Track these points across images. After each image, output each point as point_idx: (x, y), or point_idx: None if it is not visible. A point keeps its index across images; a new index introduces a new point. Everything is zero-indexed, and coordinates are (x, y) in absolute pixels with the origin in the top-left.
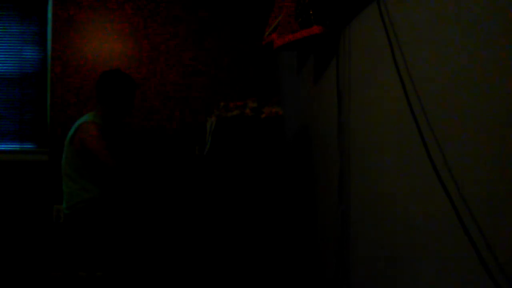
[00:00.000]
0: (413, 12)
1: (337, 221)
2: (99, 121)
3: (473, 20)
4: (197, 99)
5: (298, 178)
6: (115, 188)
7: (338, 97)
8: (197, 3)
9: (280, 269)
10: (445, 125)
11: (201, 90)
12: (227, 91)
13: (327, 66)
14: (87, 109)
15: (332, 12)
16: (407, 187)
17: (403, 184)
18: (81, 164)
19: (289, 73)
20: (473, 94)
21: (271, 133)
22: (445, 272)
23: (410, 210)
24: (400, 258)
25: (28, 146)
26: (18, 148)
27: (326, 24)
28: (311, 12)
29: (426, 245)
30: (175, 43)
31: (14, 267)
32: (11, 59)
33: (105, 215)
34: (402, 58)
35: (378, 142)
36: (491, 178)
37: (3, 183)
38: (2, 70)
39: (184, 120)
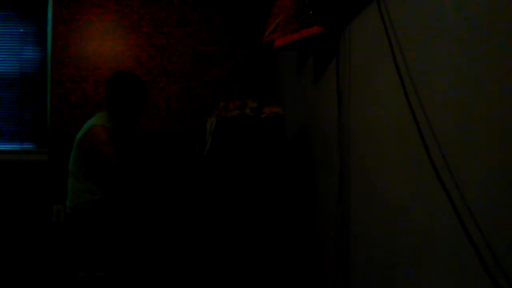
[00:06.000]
0: (413, 12)
1: (337, 222)
2: (108, 124)
3: (474, 19)
4: (197, 99)
5: (298, 178)
6: (119, 191)
7: (338, 97)
8: (197, 3)
9: (280, 269)
10: (445, 126)
11: (201, 90)
12: (227, 91)
13: (327, 66)
14: (87, 109)
15: (332, 12)
16: (407, 187)
17: (403, 184)
18: (88, 166)
19: (289, 73)
20: (473, 94)
21: (271, 133)
22: (445, 272)
23: (410, 210)
24: (400, 259)
25: (28, 146)
26: (18, 148)
27: (326, 24)
28: (311, 12)
29: (426, 245)
30: (175, 43)
31: (14, 267)
32: (11, 59)
33: (107, 215)
34: (402, 58)
35: (378, 142)
36: (491, 178)
37: (3, 183)
38: (2, 70)
39: (184, 120)
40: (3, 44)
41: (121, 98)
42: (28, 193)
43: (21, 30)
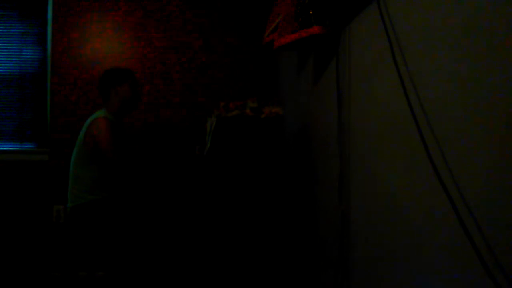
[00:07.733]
0: (413, 12)
1: (337, 221)
2: (110, 117)
3: (473, 18)
4: (197, 99)
5: (298, 178)
6: (120, 191)
7: (338, 97)
8: (197, 3)
9: (280, 269)
10: (445, 125)
11: (201, 90)
12: (227, 91)
13: (327, 66)
14: (87, 109)
15: (332, 12)
16: (407, 187)
17: (403, 184)
18: (90, 165)
19: (289, 73)
20: (473, 94)
21: (271, 133)
22: (445, 272)
23: (410, 210)
24: (400, 258)
25: (28, 146)
26: (18, 148)
27: (326, 24)
28: (311, 12)
29: (426, 245)
30: (175, 43)
31: (14, 267)
32: (11, 59)
33: (107, 215)
34: (402, 58)
35: (378, 142)
36: (491, 178)
37: (3, 183)
38: (2, 70)
39: (184, 120)
40: (3, 44)
41: (115, 91)
42: (28, 193)
43: (21, 30)
